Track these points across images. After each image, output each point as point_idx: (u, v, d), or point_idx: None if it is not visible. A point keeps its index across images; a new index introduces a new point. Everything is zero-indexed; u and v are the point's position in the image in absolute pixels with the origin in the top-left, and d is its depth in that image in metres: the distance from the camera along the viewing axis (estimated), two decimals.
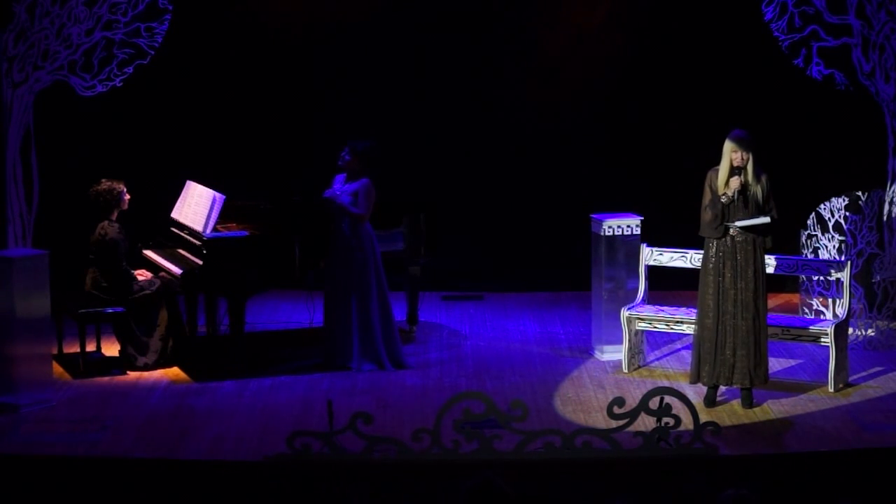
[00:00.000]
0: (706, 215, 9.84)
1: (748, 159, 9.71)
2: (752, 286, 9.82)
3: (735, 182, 9.71)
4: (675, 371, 10.90)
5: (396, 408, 10.03)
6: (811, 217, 11.82)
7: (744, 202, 9.76)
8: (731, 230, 9.81)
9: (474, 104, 13.38)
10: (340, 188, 10.88)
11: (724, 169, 9.78)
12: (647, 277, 11.11)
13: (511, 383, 10.64)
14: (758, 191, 9.77)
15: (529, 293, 13.32)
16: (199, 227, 10.94)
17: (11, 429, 9.62)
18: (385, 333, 10.95)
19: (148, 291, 10.88)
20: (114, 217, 10.92)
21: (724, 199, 9.74)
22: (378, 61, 13.29)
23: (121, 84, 11.78)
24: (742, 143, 9.70)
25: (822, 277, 11.38)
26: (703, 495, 7.81)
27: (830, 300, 11.65)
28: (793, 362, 11.08)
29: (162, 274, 11.07)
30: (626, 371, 10.88)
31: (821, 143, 13.02)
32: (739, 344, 9.84)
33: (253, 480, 8.47)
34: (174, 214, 11.48)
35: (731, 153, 9.73)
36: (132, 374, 10.82)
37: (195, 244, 10.95)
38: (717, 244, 9.87)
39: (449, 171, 13.19)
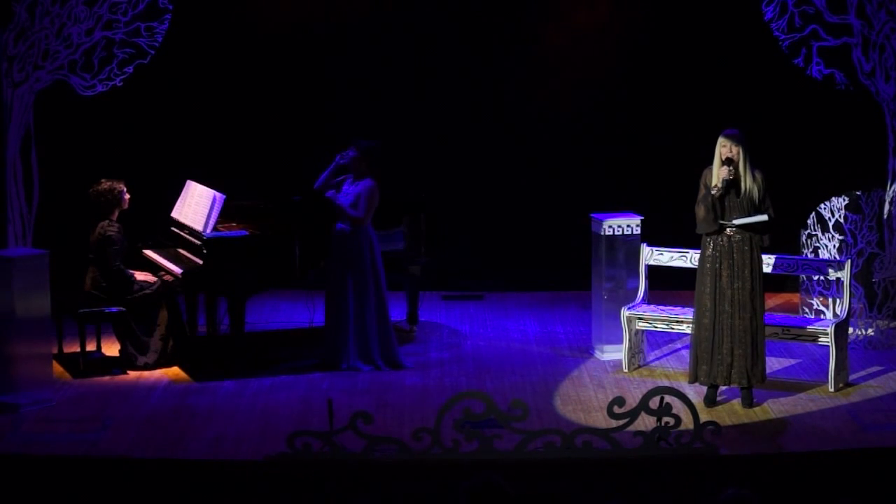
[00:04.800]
0: (699, 211, 9.86)
1: (738, 152, 9.73)
2: (749, 285, 9.82)
3: (724, 171, 9.72)
4: (675, 371, 10.90)
5: (396, 407, 10.04)
6: (811, 217, 11.82)
7: (739, 200, 9.77)
8: (728, 229, 9.82)
9: (474, 104, 13.38)
10: (346, 189, 10.88)
11: (716, 165, 9.80)
12: (647, 277, 11.12)
13: (511, 383, 10.64)
14: (753, 189, 9.78)
15: (529, 293, 13.32)
16: (199, 227, 10.94)
17: (11, 429, 9.62)
18: (381, 334, 10.96)
19: (148, 291, 10.89)
20: (114, 217, 10.93)
21: (714, 192, 9.74)
22: (379, 61, 13.29)
23: (121, 84, 11.78)
24: (731, 138, 9.74)
25: (822, 277, 11.38)
26: (703, 495, 7.82)
27: (830, 300, 11.65)
28: (793, 362, 11.08)
29: (162, 273, 11.07)
30: (626, 371, 10.88)
31: (821, 143, 13.02)
32: (737, 343, 9.84)
33: (253, 480, 8.47)
34: (174, 214, 11.48)
35: (720, 147, 9.78)
36: (132, 374, 10.82)
37: (195, 244, 10.95)
38: (713, 243, 9.88)
39: (449, 171, 13.19)
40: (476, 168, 13.33)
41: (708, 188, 9.80)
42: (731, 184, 9.77)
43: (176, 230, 11.38)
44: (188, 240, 11.12)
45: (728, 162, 9.73)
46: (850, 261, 10.73)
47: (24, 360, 10.00)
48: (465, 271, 13.37)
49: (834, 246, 11.64)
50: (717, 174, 9.78)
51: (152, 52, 11.76)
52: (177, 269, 10.89)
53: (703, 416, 9.14)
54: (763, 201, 9.81)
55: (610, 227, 11.22)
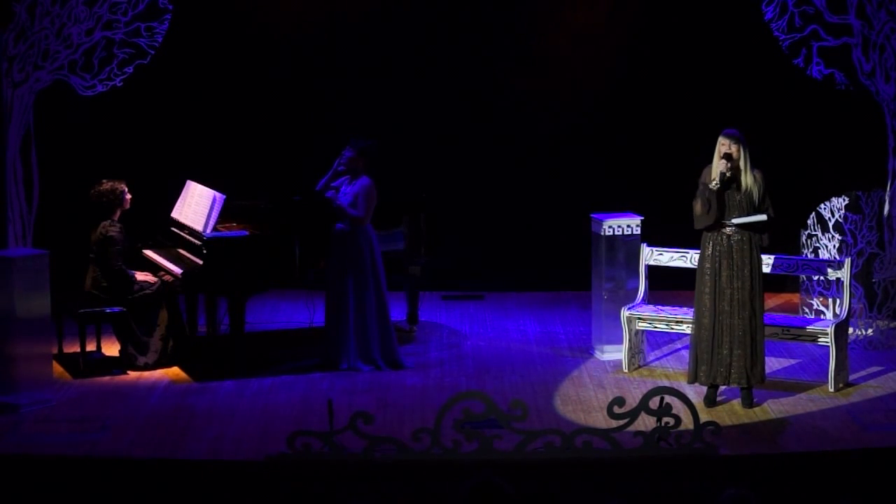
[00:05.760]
0: (696, 206, 9.86)
1: (738, 150, 9.73)
2: (748, 285, 9.82)
3: (723, 165, 9.73)
4: (675, 371, 10.90)
5: (396, 408, 10.04)
6: (811, 217, 11.83)
7: (739, 199, 9.78)
8: (728, 229, 9.82)
9: (474, 104, 13.38)
10: (344, 189, 10.89)
11: (715, 163, 9.81)
12: (647, 277, 11.12)
13: (511, 383, 10.64)
14: (753, 188, 9.78)
15: (529, 293, 13.32)
16: (199, 227, 10.94)
17: (11, 429, 9.62)
18: (381, 334, 10.96)
19: (148, 291, 10.89)
20: (116, 217, 10.93)
21: (712, 186, 9.74)
22: (378, 61, 13.29)
23: (121, 84, 11.78)
24: (731, 137, 9.75)
25: (822, 277, 11.38)
26: (703, 495, 7.81)
27: (830, 300, 11.65)
28: (793, 362, 11.08)
29: (162, 273, 11.07)
30: (626, 371, 10.88)
31: (821, 143, 13.02)
32: (736, 343, 9.84)
33: (253, 480, 8.47)
34: (174, 214, 11.48)
35: (720, 145, 9.79)
36: (132, 374, 10.82)
37: (195, 244, 10.95)
38: (713, 243, 9.88)
39: (449, 171, 13.19)
40: (476, 168, 13.33)
41: (706, 185, 9.80)
42: (730, 181, 9.77)
43: (176, 230, 11.38)
44: (188, 240, 11.12)
45: (727, 157, 9.74)
46: (849, 261, 10.73)
47: (24, 360, 10.00)
48: (465, 271, 13.37)
49: (834, 246, 11.63)
50: (716, 169, 9.78)
51: (152, 52, 11.77)
52: (177, 270, 10.89)
53: (703, 416, 9.14)
54: (763, 201, 9.82)
55: (610, 227, 11.22)
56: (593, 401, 10.18)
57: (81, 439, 9.41)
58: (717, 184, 9.73)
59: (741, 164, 9.76)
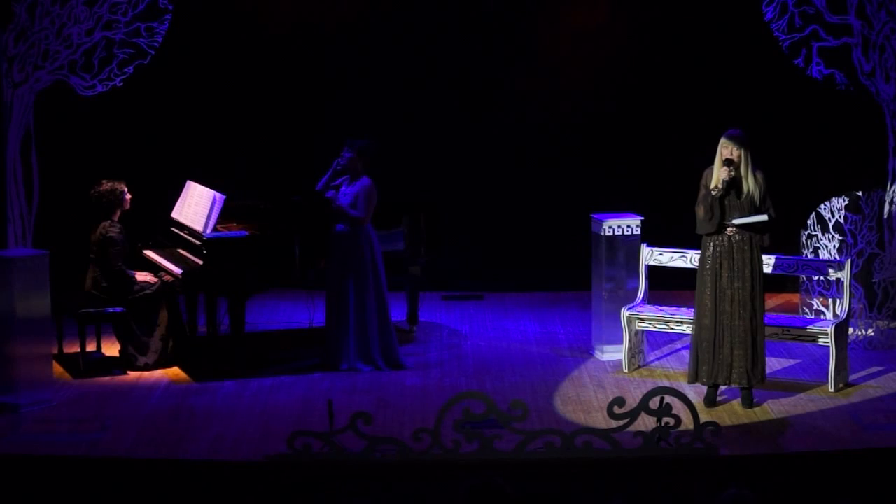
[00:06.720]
0: (699, 211, 9.86)
1: (740, 154, 9.73)
2: (749, 285, 9.82)
3: (724, 172, 9.72)
4: (675, 371, 10.90)
5: (396, 408, 10.04)
6: (811, 217, 11.83)
7: (740, 201, 9.78)
8: (729, 229, 9.82)
9: (474, 104, 13.38)
10: (344, 189, 10.89)
11: (717, 166, 9.80)
12: (647, 277, 11.12)
13: (511, 383, 10.64)
14: (754, 190, 9.78)
15: (529, 293, 13.32)
16: (199, 227, 10.94)
17: (11, 429, 9.63)
18: (381, 334, 10.96)
19: (148, 291, 10.89)
20: (116, 217, 10.93)
21: (714, 192, 9.75)
22: (378, 61, 13.29)
23: (121, 84, 11.78)
24: (733, 139, 9.74)
25: (822, 277, 11.38)
26: (703, 495, 7.81)
27: (830, 300, 11.65)
28: (793, 362, 11.08)
29: (162, 274, 11.07)
30: (626, 371, 10.88)
31: (821, 143, 13.02)
32: (737, 343, 9.84)
33: (253, 480, 8.47)
34: (174, 214, 11.48)
35: (722, 148, 9.78)
36: (132, 374, 10.82)
37: (195, 244, 10.95)
38: (714, 244, 9.88)
39: (449, 171, 13.19)
40: (476, 168, 13.33)
41: (708, 189, 9.80)
42: (732, 184, 9.77)
43: (176, 230, 11.38)
44: (188, 240, 11.12)
45: (728, 163, 9.74)
46: (850, 261, 10.73)
47: (24, 360, 10.00)
48: (465, 271, 13.37)
49: (834, 246, 11.63)
50: (718, 175, 9.78)
51: (152, 52, 11.76)
52: (177, 270, 10.90)
53: (703, 417, 9.14)
54: (763, 201, 9.82)
55: (610, 227, 11.22)
56: (593, 401, 10.18)
57: (81, 439, 9.41)
58: (719, 190, 9.73)
59: (743, 167, 9.76)
